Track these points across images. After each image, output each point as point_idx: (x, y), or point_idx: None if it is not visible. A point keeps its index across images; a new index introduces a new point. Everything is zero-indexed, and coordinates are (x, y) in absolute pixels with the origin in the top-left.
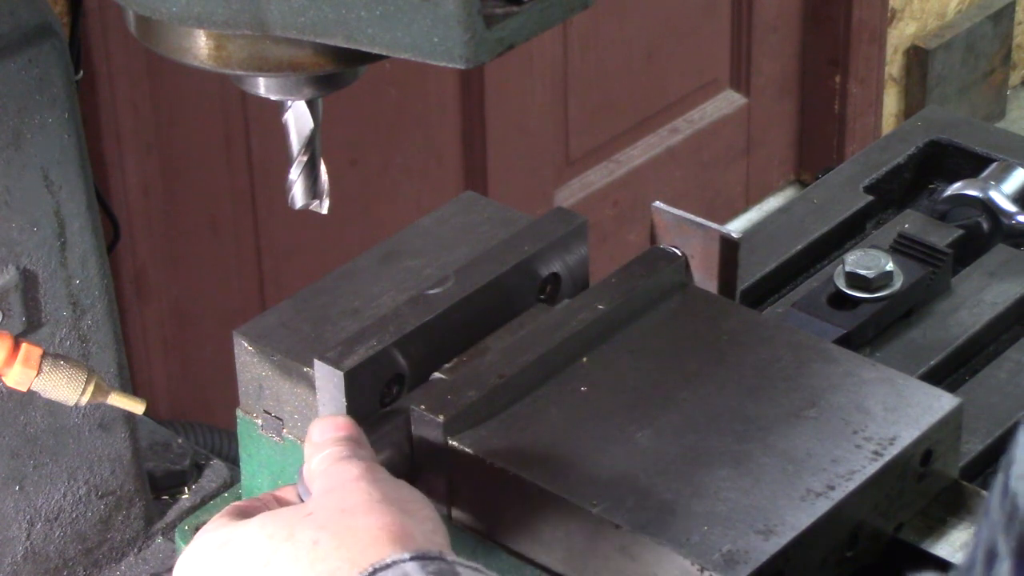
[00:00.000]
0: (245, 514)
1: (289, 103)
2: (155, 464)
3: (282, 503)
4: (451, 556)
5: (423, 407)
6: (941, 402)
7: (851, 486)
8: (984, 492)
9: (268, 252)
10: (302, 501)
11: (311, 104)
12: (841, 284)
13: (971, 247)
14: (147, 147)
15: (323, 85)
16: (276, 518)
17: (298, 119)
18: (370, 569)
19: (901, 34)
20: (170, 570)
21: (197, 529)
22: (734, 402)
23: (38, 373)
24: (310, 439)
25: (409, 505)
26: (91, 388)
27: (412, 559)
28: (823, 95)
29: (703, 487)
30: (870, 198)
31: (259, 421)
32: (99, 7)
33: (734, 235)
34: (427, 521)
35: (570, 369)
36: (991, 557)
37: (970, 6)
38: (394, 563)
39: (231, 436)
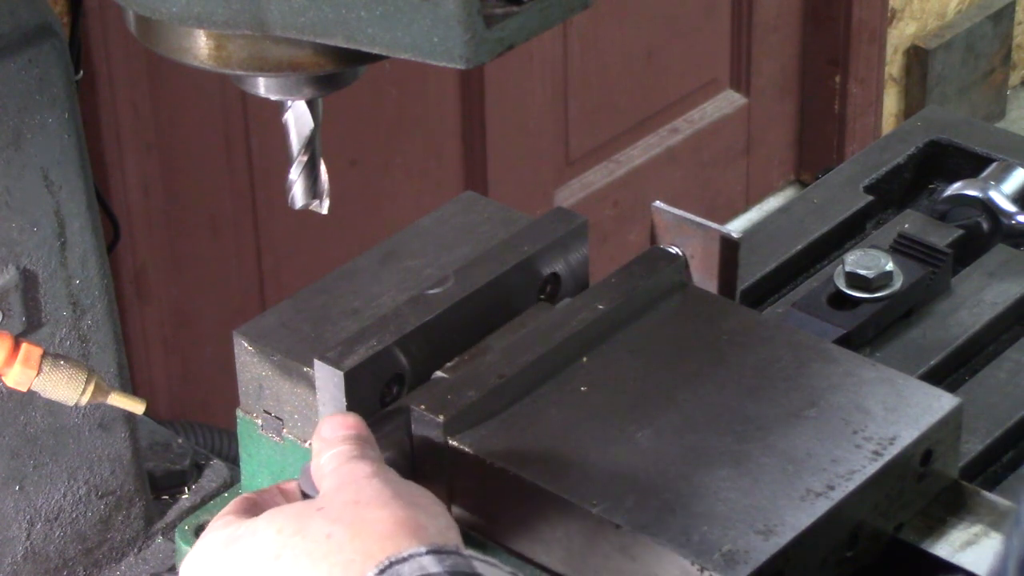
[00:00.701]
0: (253, 505)
1: (289, 103)
2: (155, 464)
3: (287, 496)
4: (467, 551)
5: (423, 407)
6: (941, 402)
7: (851, 486)
8: (984, 492)
9: (268, 252)
10: (304, 495)
11: (311, 104)
12: (841, 284)
13: (971, 247)
14: (147, 147)
15: (323, 85)
16: (284, 513)
17: (298, 119)
18: (386, 562)
19: (901, 34)
20: (171, 570)
21: (197, 529)
22: (734, 402)
23: (38, 373)
24: (319, 435)
25: (421, 500)
26: (91, 388)
27: (428, 552)
28: (823, 95)
29: (703, 487)
30: (870, 198)
31: (259, 421)
32: (99, 7)
33: (734, 235)
34: (440, 517)
35: (570, 369)
36: None
37: (970, 6)
38: (411, 556)
39: (231, 436)
